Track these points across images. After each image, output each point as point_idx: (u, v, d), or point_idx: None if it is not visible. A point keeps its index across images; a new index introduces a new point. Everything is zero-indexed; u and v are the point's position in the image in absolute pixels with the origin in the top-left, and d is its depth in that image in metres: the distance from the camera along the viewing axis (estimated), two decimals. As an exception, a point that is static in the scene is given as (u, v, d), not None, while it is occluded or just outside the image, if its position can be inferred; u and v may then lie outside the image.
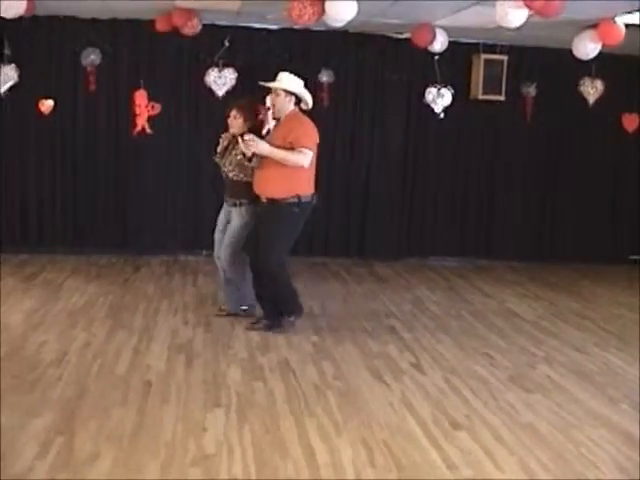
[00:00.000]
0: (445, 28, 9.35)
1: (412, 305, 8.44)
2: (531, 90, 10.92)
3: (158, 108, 10.21)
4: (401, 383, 5.94)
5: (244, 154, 6.85)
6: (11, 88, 9.83)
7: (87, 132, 10.35)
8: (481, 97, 10.46)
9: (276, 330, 7.06)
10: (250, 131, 6.96)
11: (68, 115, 10.28)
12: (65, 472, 4.23)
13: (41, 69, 10.09)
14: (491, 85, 10.42)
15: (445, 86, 10.46)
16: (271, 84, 6.97)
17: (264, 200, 6.93)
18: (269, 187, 6.85)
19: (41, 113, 10.08)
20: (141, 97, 10.18)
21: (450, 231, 11.12)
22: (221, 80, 10.10)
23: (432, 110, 10.55)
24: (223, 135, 7.43)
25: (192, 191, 10.51)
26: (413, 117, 10.88)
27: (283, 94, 6.90)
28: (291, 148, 6.73)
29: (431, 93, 10.50)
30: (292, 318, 7.16)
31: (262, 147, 6.69)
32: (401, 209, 11.02)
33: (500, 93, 10.47)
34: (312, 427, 4.98)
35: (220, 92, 10.09)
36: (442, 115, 10.55)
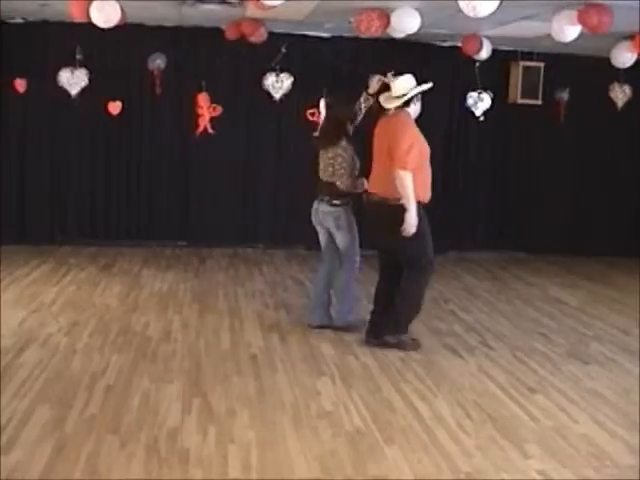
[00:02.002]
0: (489, 37, 10.08)
1: (465, 292, 9.23)
2: (564, 95, 11.66)
3: (219, 110, 10.95)
4: (475, 356, 6.73)
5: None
6: (82, 90, 10.52)
7: (153, 132, 11.13)
8: (519, 101, 11.20)
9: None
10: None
11: (135, 116, 11.05)
12: (212, 425, 5.00)
13: (110, 72, 10.79)
14: (529, 90, 11.18)
15: (485, 91, 11.16)
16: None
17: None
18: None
19: (110, 114, 10.81)
20: (203, 99, 10.92)
21: (488, 226, 11.87)
22: (278, 84, 10.83)
23: (473, 113, 11.27)
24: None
25: (250, 188, 11.27)
26: (455, 119, 11.63)
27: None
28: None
29: (472, 97, 11.22)
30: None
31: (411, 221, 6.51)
32: (443, 205, 11.74)
33: (537, 98, 11.25)
34: (409, 390, 5.78)
35: (277, 95, 10.83)
36: (482, 118, 11.26)
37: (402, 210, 6.44)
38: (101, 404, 5.30)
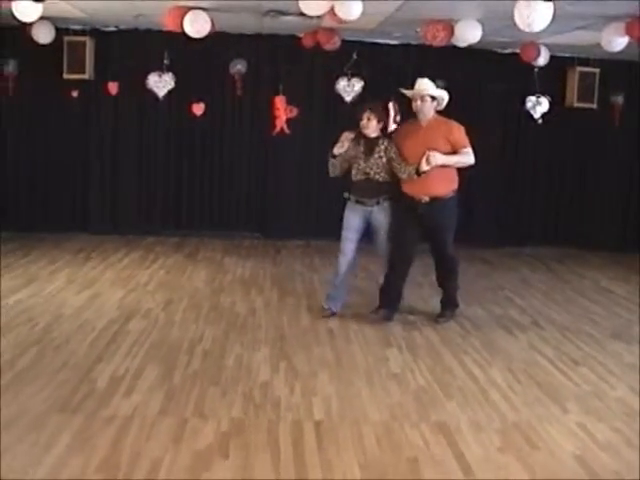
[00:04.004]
0: (546, 45, 10.81)
1: (520, 282, 10.00)
2: (619, 99, 12.33)
3: (295, 111, 11.82)
4: (526, 335, 7.53)
5: (417, 170, 7.20)
6: (169, 93, 11.48)
7: (233, 131, 12.09)
8: (576, 105, 11.93)
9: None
10: (382, 132, 7.55)
11: (217, 116, 12.01)
12: (297, 382, 5.89)
13: (194, 76, 11.77)
14: (585, 94, 11.90)
15: (543, 95, 11.85)
16: (418, 91, 7.37)
17: (425, 199, 7.38)
18: (434, 187, 7.32)
19: (194, 115, 11.78)
20: (280, 102, 11.81)
21: (545, 223, 12.61)
22: (349, 88, 11.69)
23: (531, 116, 11.97)
24: (345, 134, 7.63)
25: (322, 184, 12.08)
26: (514, 122, 12.37)
27: (430, 99, 7.35)
28: (453, 149, 7.34)
29: (531, 101, 11.90)
30: (449, 312, 7.93)
31: (440, 158, 7.15)
32: (503, 203, 12.53)
33: (593, 102, 11.95)
34: (468, 360, 6.62)
35: (348, 98, 11.68)
36: (540, 121, 11.95)
37: None
38: (201, 364, 6.22)
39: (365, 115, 7.52)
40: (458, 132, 7.41)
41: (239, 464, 4.45)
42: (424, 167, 7.16)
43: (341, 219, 7.88)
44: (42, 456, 4.43)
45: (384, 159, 7.47)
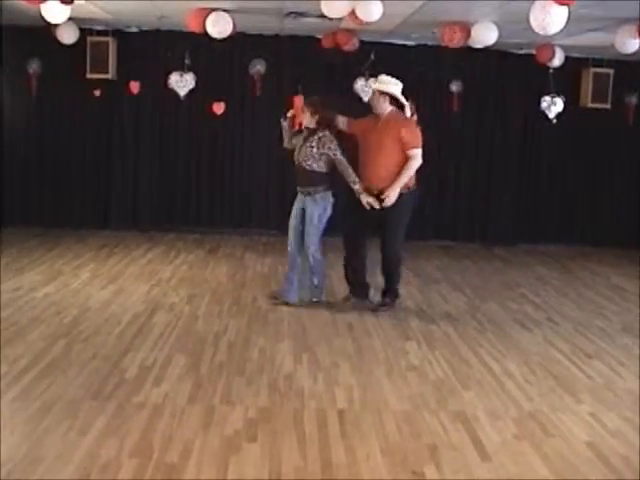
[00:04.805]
0: (561, 46, 11.00)
1: (535, 279, 10.19)
2: (633, 99, 12.51)
3: (313, 111, 12.01)
4: (541, 329, 7.73)
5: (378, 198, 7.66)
6: (190, 92, 11.70)
7: (252, 130, 12.28)
8: (590, 105, 12.12)
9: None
10: (319, 124, 7.92)
11: (237, 116, 12.23)
12: (320, 373, 6.11)
13: (215, 76, 12.02)
14: (599, 95, 12.09)
15: (558, 95, 12.03)
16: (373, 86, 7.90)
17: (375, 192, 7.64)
18: (386, 184, 7.66)
19: (214, 114, 12.01)
20: (299, 101, 11.98)
21: (559, 221, 12.79)
22: (367, 88, 11.86)
23: (546, 116, 12.15)
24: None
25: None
26: (530, 121, 12.56)
27: (377, 94, 7.74)
28: (402, 148, 7.61)
29: (546, 101, 12.09)
30: (389, 300, 8.12)
31: (393, 195, 7.61)
32: (517, 201, 12.72)
33: (607, 102, 12.14)
34: (484, 353, 6.82)
35: (366, 98, 11.85)
36: (555, 120, 12.13)
37: None
38: (226, 355, 6.44)
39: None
40: (407, 133, 7.64)
41: (267, 448, 4.67)
42: (376, 206, 7.66)
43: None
44: (79, 440, 4.66)
45: (314, 149, 7.79)
